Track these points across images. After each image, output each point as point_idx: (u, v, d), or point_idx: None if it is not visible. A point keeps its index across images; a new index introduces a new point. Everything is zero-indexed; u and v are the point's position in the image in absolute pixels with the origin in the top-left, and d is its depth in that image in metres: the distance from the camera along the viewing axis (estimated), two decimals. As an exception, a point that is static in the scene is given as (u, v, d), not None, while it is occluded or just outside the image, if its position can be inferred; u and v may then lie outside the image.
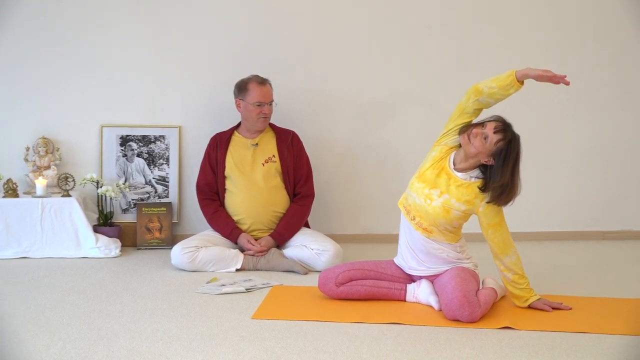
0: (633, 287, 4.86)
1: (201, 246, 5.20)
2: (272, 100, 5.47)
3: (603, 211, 6.41)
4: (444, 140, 4.42)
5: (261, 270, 5.21)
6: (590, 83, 6.27)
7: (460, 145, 4.34)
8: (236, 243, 5.36)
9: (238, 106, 5.48)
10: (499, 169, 4.19)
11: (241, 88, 5.46)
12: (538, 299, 4.34)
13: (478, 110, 4.37)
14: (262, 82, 5.44)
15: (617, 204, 6.42)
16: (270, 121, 5.55)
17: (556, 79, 4.17)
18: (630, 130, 6.37)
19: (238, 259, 5.21)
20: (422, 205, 4.32)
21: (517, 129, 4.25)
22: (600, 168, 6.39)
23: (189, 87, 6.00)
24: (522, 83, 4.21)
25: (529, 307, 4.34)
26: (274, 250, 5.27)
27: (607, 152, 6.37)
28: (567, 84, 4.20)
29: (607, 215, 6.42)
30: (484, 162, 4.25)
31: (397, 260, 4.56)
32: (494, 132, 4.20)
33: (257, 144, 5.49)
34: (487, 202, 4.25)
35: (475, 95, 4.30)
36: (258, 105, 5.39)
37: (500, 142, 4.18)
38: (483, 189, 4.26)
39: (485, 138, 4.20)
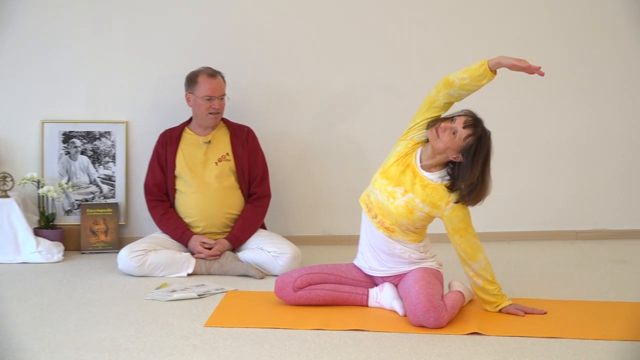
0: (608, 290, 4.91)
1: (150, 249, 5.18)
2: (224, 94, 5.45)
3: (576, 210, 6.46)
4: (410, 135, 4.43)
5: (214, 274, 5.20)
6: (563, 75, 6.32)
7: (427, 141, 4.35)
8: (187, 246, 5.35)
9: (188, 100, 5.46)
10: (467, 166, 4.21)
11: (191, 81, 5.44)
12: (510, 304, 4.36)
13: (449, 104, 4.38)
14: (213, 74, 5.43)
15: (591, 202, 6.47)
16: (224, 117, 5.54)
17: (530, 70, 4.21)
18: (605, 124, 6.42)
19: (190, 263, 5.20)
20: (385, 204, 4.34)
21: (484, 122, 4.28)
22: (573, 164, 6.44)
23: (137, 80, 5.97)
24: (495, 72, 4.25)
25: (500, 311, 4.37)
26: (228, 253, 5.26)
27: (580, 147, 6.42)
28: (542, 74, 4.25)
29: (580, 214, 6.47)
30: (452, 159, 4.27)
31: (357, 261, 4.57)
32: (464, 127, 4.21)
33: (209, 141, 5.48)
34: (455, 202, 4.26)
35: (445, 87, 4.32)
36: (208, 100, 5.38)
37: (470, 138, 4.20)
38: (451, 187, 4.28)
39: (454, 133, 4.22)
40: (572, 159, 6.43)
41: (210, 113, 5.40)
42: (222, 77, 5.47)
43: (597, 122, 6.41)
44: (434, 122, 4.31)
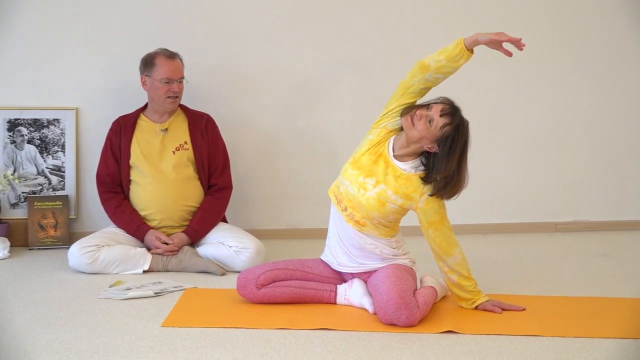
0: (590, 284, 4.94)
1: (103, 245, 5.16)
2: (183, 77, 5.44)
3: (555, 200, 6.51)
4: (383, 123, 4.43)
5: (172, 271, 5.20)
6: (542, 61, 6.34)
7: (401, 129, 4.36)
8: (143, 241, 5.33)
9: (144, 84, 5.44)
10: (443, 157, 4.21)
11: (147, 63, 5.42)
12: (487, 300, 4.38)
13: (425, 89, 4.39)
14: (171, 56, 5.41)
15: (571, 192, 6.51)
16: (182, 102, 5.52)
17: (511, 41, 4.21)
18: (585, 112, 6.46)
19: (145, 258, 5.19)
20: (355, 195, 4.34)
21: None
22: (552, 153, 6.48)
23: (88, 63, 5.94)
24: (471, 52, 4.27)
25: (476, 308, 4.38)
26: (186, 248, 5.25)
27: (559, 135, 6.46)
28: (522, 47, 4.25)
29: (559, 204, 6.51)
30: (427, 149, 4.27)
31: (325, 256, 4.57)
32: (440, 115, 4.21)
33: (166, 129, 5.46)
34: (430, 195, 4.27)
35: (421, 72, 4.33)
36: (166, 82, 5.36)
37: (447, 127, 4.20)
38: (425, 179, 4.29)
39: (430, 121, 4.21)
40: (551, 148, 6.47)
41: (169, 97, 5.38)
42: (181, 59, 5.45)
43: (576, 110, 6.45)
44: (409, 109, 4.31)
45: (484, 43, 4.26)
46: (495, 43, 4.26)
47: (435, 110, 4.23)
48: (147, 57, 5.44)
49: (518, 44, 4.24)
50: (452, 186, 4.24)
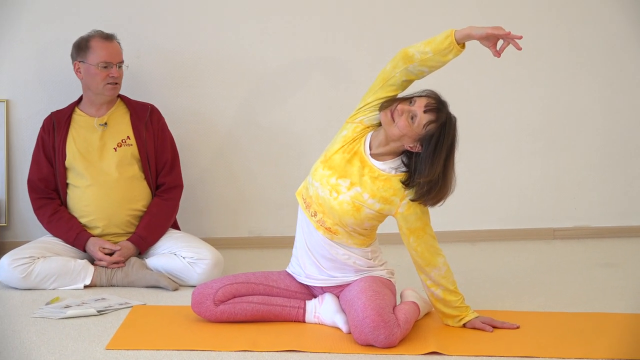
0: (591, 298, 4.97)
1: (38, 256, 5.14)
2: (122, 61, 5.42)
3: (552, 204, 6.53)
4: (359, 117, 4.42)
5: (117, 286, 5.19)
6: (539, 54, 6.34)
7: (380, 125, 4.35)
8: (84, 251, 5.31)
9: (78, 71, 5.42)
10: (427, 159, 4.19)
11: (80, 47, 5.40)
12: (475, 317, 4.39)
13: (407, 82, 4.38)
14: (108, 37, 5.40)
15: (570, 195, 6.53)
16: (121, 93, 5.51)
17: (509, 37, 4.19)
18: (586, 105, 6.46)
19: (87, 272, 5.17)
20: (326, 199, 4.33)
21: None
22: (549, 150, 6.49)
23: (17, 49, 5.91)
24: (462, 46, 4.25)
25: (464, 326, 4.39)
26: (134, 259, 5.24)
27: (557, 131, 6.47)
28: (520, 48, 4.24)
29: (557, 209, 6.53)
30: (409, 149, 4.26)
31: (291, 267, 4.57)
32: (425, 112, 4.20)
33: (105, 123, 5.44)
34: (412, 200, 4.27)
35: (404, 62, 4.32)
36: (104, 67, 5.34)
37: (432, 125, 4.19)
38: (407, 183, 4.28)
39: (412, 118, 4.21)
40: (548, 145, 6.48)
41: (109, 83, 5.35)
42: (118, 42, 5.44)
43: (576, 103, 6.46)
44: (389, 103, 4.30)
45: (478, 38, 4.21)
46: (492, 39, 4.24)
47: (419, 105, 4.21)
48: (80, 40, 5.42)
49: (516, 43, 4.23)
50: (436, 191, 4.22)
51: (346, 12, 6.17)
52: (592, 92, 6.46)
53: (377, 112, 4.35)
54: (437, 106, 4.21)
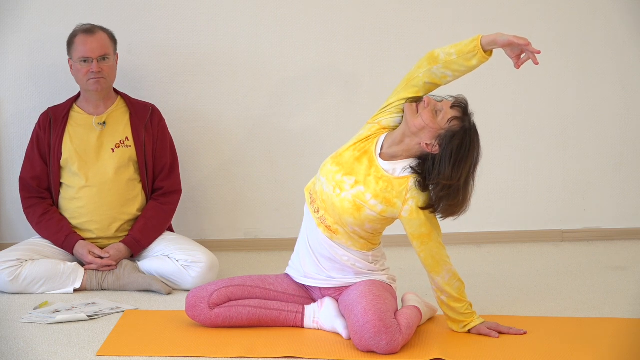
0: (602, 303, 4.97)
1: (26, 259, 5.14)
2: (106, 55, 5.38)
3: (561, 205, 6.52)
4: (379, 118, 4.44)
5: (109, 289, 5.19)
6: (549, 54, 6.32)
7: (395, 128, 4.36)
8: (73, 254, 5.30)
9: (71, 68, 5.42)
10: (448, 160, 4.17)
11: (68, 44, 5.42)
12: (481, 323, 4.38)
13: (430, 85, 4.38)
14: (88, 31, 5.36)
15: (579, 195, 6.53)
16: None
17: (529, 49, 4.21)
18: (595, 102, 6.46)
19: (77, 275, 5.17)
20: (329, 195, 4.33)
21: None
22: (557, 150, 6.49)
23: (8, 43, 5.91)
24: (489, 54, 4.27)
25: (469, 332, 4.39)
26: (126, 262, 5.24)
27: (566, 129, 6.47)
28: (537, 62, 4.26)
29: (566, 210, 6.53)
30: (425, 147, 4.25)
31: (291, 265, 4.58)
32: (451, 107, 4.24)
33: (104, 122, 5.43)
34: (422, 208, 4.25)
35: (428, 62, 4.33)
36: (84, 62, 5.33)
37: (455, 122, 4.20)
38: (421, 182, 4.26)
39: (437, 112, 4.22)
40: (557, 144, 6.47)
41: (91, 79, 5.33)
42: (107, 33, 5.41)
43: (585, 100, 6.46)
44: (416, 99, 4.33)
45: (501, 45, 4.23)
46: (515, 48, 4.24)
47: (446, 103, 4.25)
48: (69, 36, 5.42)
49: (534, 57, 4.24)
50: (452, 200, 4.21)
51: (340, 5, 6.16)
52: (601, 92, 6.46)
53: (397, 114, 4.38)
54: (465, 108, 4.25)
